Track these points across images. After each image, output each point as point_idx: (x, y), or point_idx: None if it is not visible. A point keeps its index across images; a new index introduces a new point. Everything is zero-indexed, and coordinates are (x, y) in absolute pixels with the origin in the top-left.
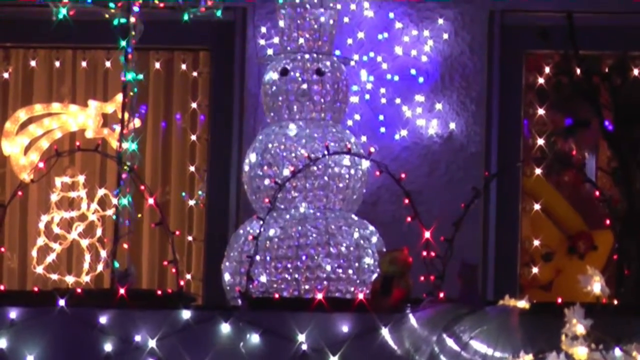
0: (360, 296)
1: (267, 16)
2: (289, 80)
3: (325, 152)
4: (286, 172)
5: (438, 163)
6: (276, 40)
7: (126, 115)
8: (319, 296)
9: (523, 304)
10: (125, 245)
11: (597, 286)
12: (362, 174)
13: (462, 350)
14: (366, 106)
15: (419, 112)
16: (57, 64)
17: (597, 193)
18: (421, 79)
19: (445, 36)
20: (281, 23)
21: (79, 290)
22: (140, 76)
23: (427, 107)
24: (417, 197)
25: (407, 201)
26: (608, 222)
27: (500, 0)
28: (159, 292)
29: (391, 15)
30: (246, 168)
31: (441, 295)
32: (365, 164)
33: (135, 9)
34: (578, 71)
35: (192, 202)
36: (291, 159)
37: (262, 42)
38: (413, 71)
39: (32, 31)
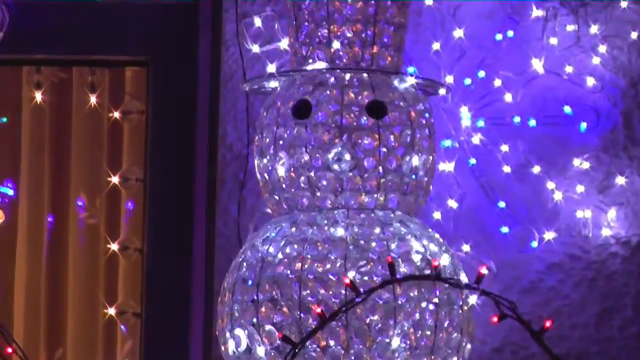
0: None
1: None
2: (313, 127)
3: (388, 278)
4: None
5: (621, 297)
6: (284, 43)
7: None
8: None
9: None
10: None
11: None
12: (463, 318)
13: None
14: (471, 179)
15: (580, 192)
16: None
17: None
18: (583, 126)
19: (634, 35)
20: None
21: None
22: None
23: (595, 181)
24: None
25: None
26: None
27: None
28: None
29: None
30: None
31: None
32: (472, 299)
33: None
34: None
35: None
36: (316, 290)
37: (254, 48)
38: (567, 109)
39: None
